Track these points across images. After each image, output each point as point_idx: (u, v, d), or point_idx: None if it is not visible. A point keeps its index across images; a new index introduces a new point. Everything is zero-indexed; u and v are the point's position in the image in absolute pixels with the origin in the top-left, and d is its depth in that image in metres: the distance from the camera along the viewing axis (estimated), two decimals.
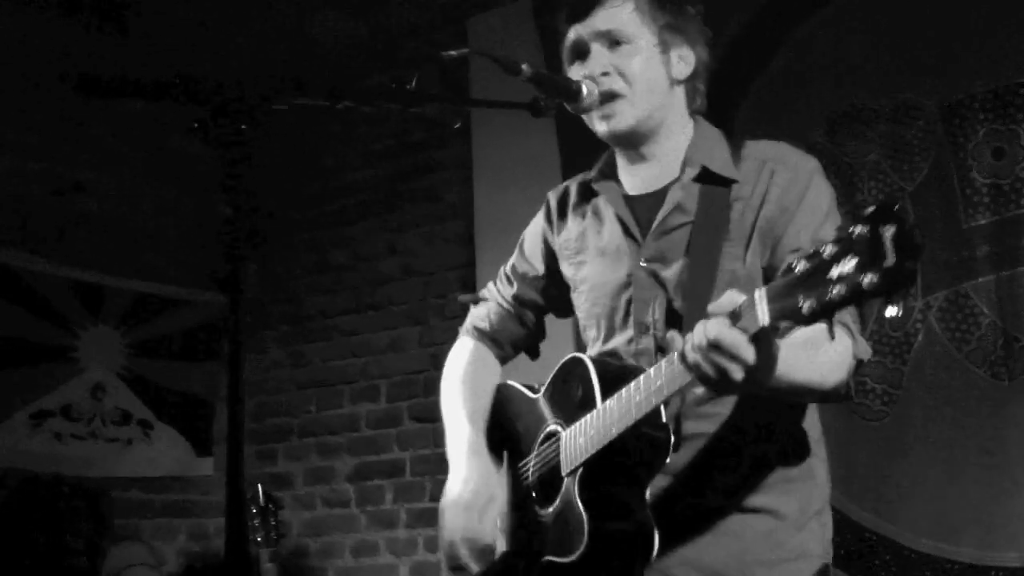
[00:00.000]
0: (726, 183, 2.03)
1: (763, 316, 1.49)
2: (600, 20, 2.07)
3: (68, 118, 5.03)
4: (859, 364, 1.92)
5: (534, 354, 2.44)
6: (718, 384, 1.63)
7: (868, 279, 1.35)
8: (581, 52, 2.10)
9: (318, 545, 5.26)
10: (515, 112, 2.01)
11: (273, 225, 5.53)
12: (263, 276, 5.53)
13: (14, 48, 4.86)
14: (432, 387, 5.05)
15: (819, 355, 1.81)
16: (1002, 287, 3.53)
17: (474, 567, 2.11)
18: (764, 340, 1.59)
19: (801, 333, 1.82)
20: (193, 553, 5.26)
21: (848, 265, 1.37)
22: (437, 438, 5.09)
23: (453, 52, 2.02)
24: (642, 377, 1.81)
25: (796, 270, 1.44)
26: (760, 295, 1.51)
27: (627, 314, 2.07)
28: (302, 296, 5.51)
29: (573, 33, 2.11)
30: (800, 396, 1.91)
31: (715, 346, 1.57)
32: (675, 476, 1.96)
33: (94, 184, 5.18)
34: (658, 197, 2.08)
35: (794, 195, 1.99)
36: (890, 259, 1.34)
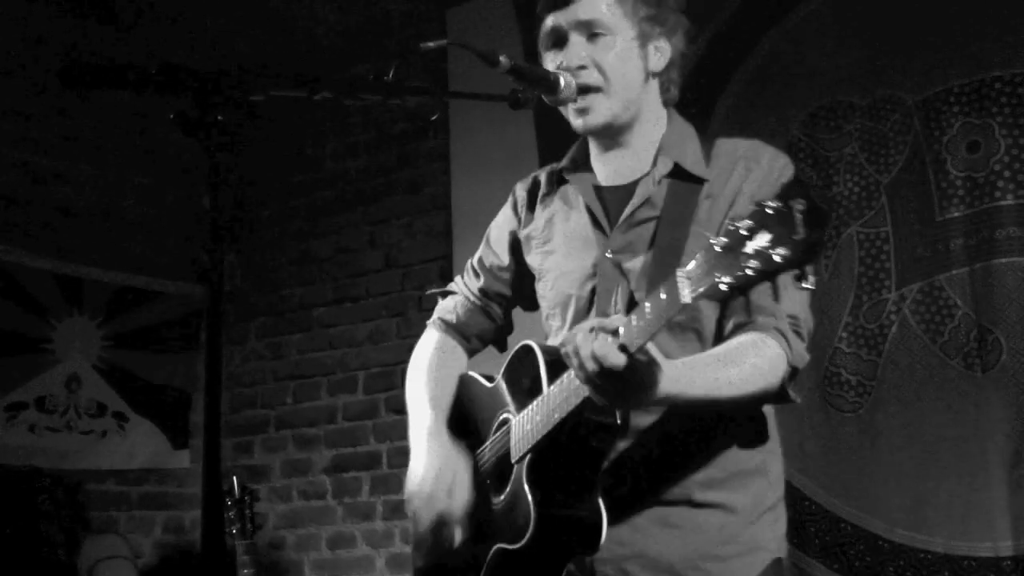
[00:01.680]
0: (697, 180, 2.03)
1: (684, 294, 1.49)
2: (581, 9, 2.05)
3: (49, 107, 5.00)
4: (795, 372, 1.92)
5: (502, 347, 2.44)
6: (600, 391, 1.69)
7: (780, 252, 1.37)
8: (559, 40, 2.09)
9: (295, 537, 5.25)
10: (493, 104, 2.00)
11: (255, 216, 5.52)
12: (244, 267, 5.51)
13: (1, 37, 4.83)
14: None
15: (728, 369, 1.84)
16: (976, 279, 3.56)
17: (441, 549, 2.14)
18: (638, 354, 1.63)
19: (714, 349, 1.90)
20: (169, 545, 5.24)
21: (762, 240, 1.38)
22: None
23: (431, 43, 2.01)
24: None
25: (717, 248, 1.45)
26: (682, 274, 1.51)
27: (590, 303, 2.08)
28: (282, 287, 5.50)
29: (552, 20, 2.09)
30: (714, 407, 1.90)
31: (592, 358, 1.63)
32: (628, 469, 1.96)
33: (75, 175, 5.15)
34: (628, 190, 2.09)
35: (764, 194, 1.96)
36: (800, 232, 1.35)
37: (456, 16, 4.91)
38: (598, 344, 1.64)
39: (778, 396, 1.94)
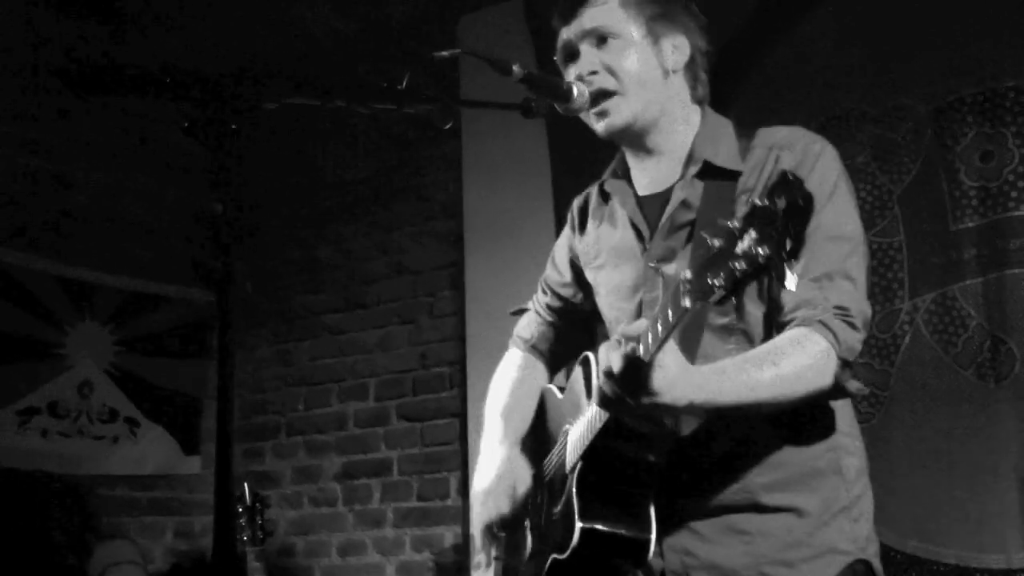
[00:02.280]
0: (732, 176, 2.01)
1: (685, 299, 1.47)
2: (586, 19, 2.07)
3: (58, 112, 5.01)
4: (845, 364, 1.88)
5: None
6: (611, 403, 1.68)
7: (763, 251, 1.34)
8: (572, 53, 2.10)
9: (305, 544, 5.25)
10: (506, 112, 2.01)
11: (265, 222, 5.52)
12: (254, 273, 5.52)
13: (5, 41, 4.84)
14: (420, 386, 5.08)
15: (764, 371, 1.79)
16: (989, 290, 3.54)
17: (493, 552, 2.16)
18: (649, 363, 1.61)
19: (752, 351, 1.86)
20: (180, 551, 5.24)
21: (750, 238, 1.36)
22: (425, 437, 5.13)
23: (444, 52, 2.01)
24: None
25: (714, 247, 1.42)
26: (685, 276, 1.49)
27: (639, 315, 2.07)
28: (292, 294, 5.50)
29: (564, 35, 2.11)
30: (757, 410, 1.85)
31: (608, 373, 1.63)
32: (690, 475, 1.94)
33: (81, 179, 5.16)
34: (665, 196, 2.08)
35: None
36: (778, 229, 1.33)
37: (468, 24, 4.91)
38: (603, 354, 1.64)
39: (834, 391, 1.89)
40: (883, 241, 3.74)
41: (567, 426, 2.10)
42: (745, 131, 2.10)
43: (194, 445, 5.31)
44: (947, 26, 3.72)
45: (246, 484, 4.22)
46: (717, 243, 1.41)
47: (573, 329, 2.42)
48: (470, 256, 4.76)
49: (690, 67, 2.11)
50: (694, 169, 2.05)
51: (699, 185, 2.03)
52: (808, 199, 1.33)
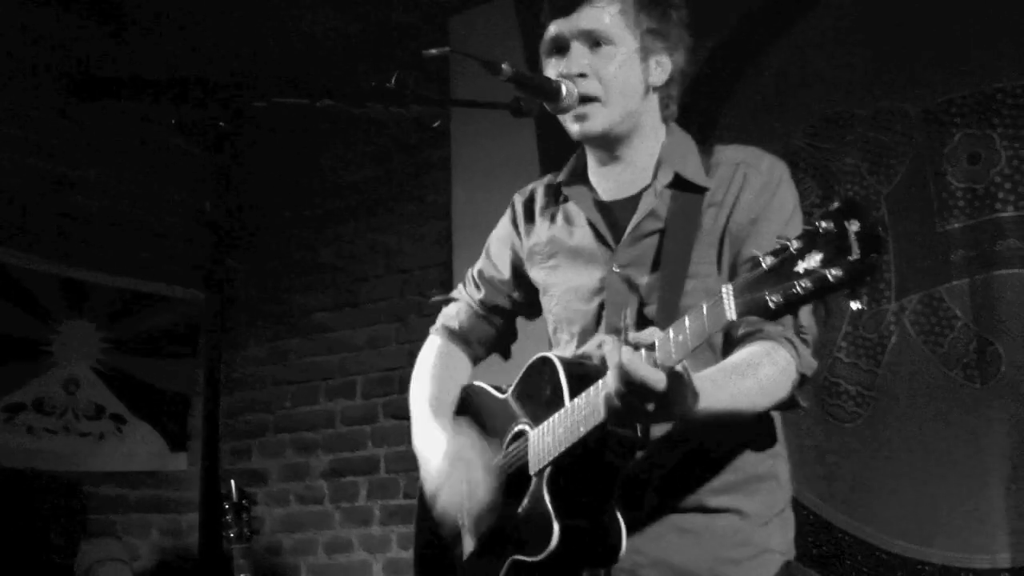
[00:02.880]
0: (699, 190, 2.04)
1: (730, 311, 1.49)
2: (584, 19, 2.06)
3: (57, 113, 5.00)
4: (803, 379, 1.94)
5: (506, 355, 2.46)
6: (628, 408, 1.67)
7: (833, 273, 1.37)
8: (561, 48, 2.09)
9: (292, 542, 5.25)
10: (495, 112, 2.00)
11: (257, 222, 5.52)
12: (249, 273, 5.51)
13: (5, 42, 4.83)
14: (408, 384, 5.06)
15: (746, 380, 1.84)
16: (976, 290, 3.56)
17: (453, 550, 2.13)
18: (677, 374, 1.62)
19: (729, 360, 1.89)
20: (166, 549, 5.24)
21: (814, 259, 1.39)
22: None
23: (434, 51, 2.01)
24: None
25: (764, 264, 1.45)
26: (727, 290, 1.51)
27: (599, 318, 2.08)
28: (285, 293, 5.50)
29: (555, 28, 2.09)
30: (732, 419, 1.89)
31: (627, 380, 1.62)
32: (641, 478, 1.96)
33: (80, 179, 5.15)
34: (631, 203, 2.08)
35: (764, 200, 2.00)
36: (855, 253, 1.35)
37: (458, 24, 4.91)
38: (628, 358, 1.62)
39: (788, 403, 1.95)
40: None
41: (521, 427, 2.07)
42: (704, 148, 2.12)
43: (181, 442, 5.30)
44: (937, 29, 3.74)
45: (233, 482, 4.21)
46: (769, 260, 1.44)
47: (499, 325, 2.41)
48: (459, 255, 4.76)
49: (667, 86, 2.12)
50: (665, 180, 2.06)
51: (667, 195, 2.05)
52: (884, 228, 1.38)
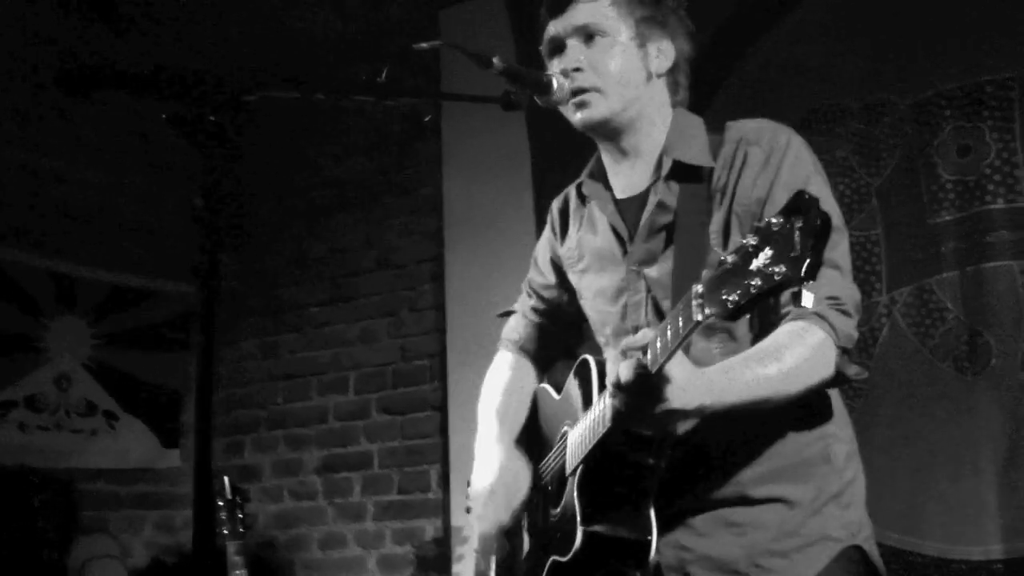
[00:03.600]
0: (703, 174, 2.01)
1: (697, 312, 1.47)
2: (577, 15, 2.07)
3: (46, 107, 4.99)
4: (844, 351, 1.88)
5: (574, 358, 2.46)
6: (630, 417, 1.68)
7: (778, 270, 1.35)
8: (558, 47, 2.10)
9: (285, 537, 5.24)
10: (486, 105, 2.00)
11: (249, 216, 5.51)
12: (241, 268, 5.51)
13: (2, 39, 4.81)
14: (400, 379, 5.08)
15: (766, 368, 1.79)
16: (966, 282, 3.57)
17: (497, 554, 2.16)
18: (661, 375, 1.61)
19: (754, 348, 1.86)
20: (160, 545, 5.23)
21: (765, 257, 1.37)
22: (405, 430, 5.13)
23: (425, 44, 2.01)
24: None
25: (728, 263, 1.43)
26: (696, 290, 1.48)
27: (624, 318, 2.08)
28: (278, 287, 5.49)
29: (552, 28, 2.10)
30: (757, 408, 1.83)
31: (616, 384, 1.63)
32: (681, 473, 1.94)
33: (72, 174, 5.14)
34: (642, 199, 2.08)
35: (769, 175, 1.96)
36: (796, 249, 1.34)
37: (449, 17, 4.90)
38: (612, 367, 1.65)
39: (836, 380, 1.89)
40: (861, 234, 3.76)
41: (565, 428, 2.10)
42: (716, 126, 2.10)
43: (174, 439, 5.30)
44: (927, 21, 3.74)
45: (226, 478, 4.21)
46: (731, 259, 1.41)
47: (560, 330, 2.42)
48: (450, 250, 4.76)
49: (673, 72, 2.12)
50: (665, 170, 2.05)
51: (675, 187, 2.03)
52: (826, 221, 1.34)
